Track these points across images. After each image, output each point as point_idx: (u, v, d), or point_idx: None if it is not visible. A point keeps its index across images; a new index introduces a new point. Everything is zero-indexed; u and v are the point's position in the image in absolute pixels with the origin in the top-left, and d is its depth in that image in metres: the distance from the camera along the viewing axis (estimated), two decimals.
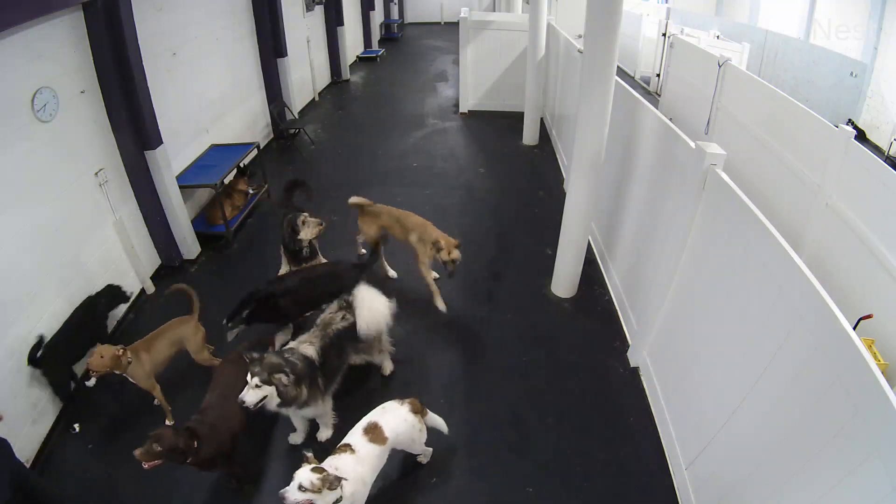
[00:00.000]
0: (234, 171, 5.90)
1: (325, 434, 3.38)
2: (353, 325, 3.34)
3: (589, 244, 4.85)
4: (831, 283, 2.57)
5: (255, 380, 2.71)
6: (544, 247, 5.33)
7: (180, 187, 5.05)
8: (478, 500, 3.06)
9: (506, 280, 4.98)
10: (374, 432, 2.74)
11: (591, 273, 4.89)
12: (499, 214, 6.17)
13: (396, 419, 2.84)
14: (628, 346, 4.07)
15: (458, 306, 4.58)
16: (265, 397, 2.75)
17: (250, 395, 2.71)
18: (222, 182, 5.47)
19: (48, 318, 3.56)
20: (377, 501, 3.02)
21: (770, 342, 2.23)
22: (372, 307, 3.31)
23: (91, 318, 3.85)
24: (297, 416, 3.28)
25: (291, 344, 3.17)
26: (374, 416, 2.85)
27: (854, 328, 1.81)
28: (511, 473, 3.19)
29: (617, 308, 4.53)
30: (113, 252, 4.31)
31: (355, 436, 2.74)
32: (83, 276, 3.95)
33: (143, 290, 4.70)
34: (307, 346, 3.13)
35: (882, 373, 1.64)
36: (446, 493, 3.10)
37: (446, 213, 6.12)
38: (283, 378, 2.79)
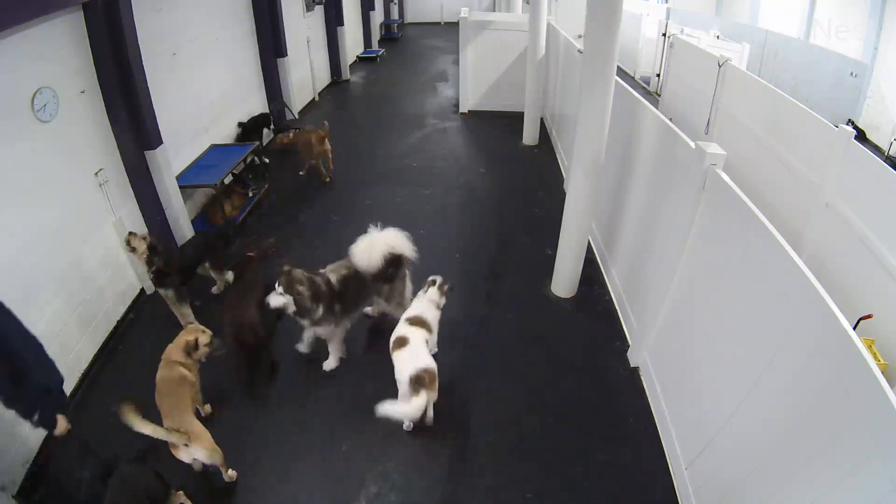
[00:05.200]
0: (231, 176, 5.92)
1: (330, 364, 3.84)
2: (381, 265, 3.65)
3: (589, 244, 4.85)
4: (831, 283, 2.56)
5: (280, 288, 3.30)
6: (544, 247, 5.33)
7: (180, 187, 5.05)
8: (478, 501, 3.06)
9: (506, 280, 4.98)
10: (416, 323, 3.43)
11: (591, 273, 4.89)
12: (499, 214, 6.17)
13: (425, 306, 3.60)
14: (628, 346, 4.07)
15: (458, 306, 4.58)
16: (286, 304, 3.32)
17: (274, 300, 3.32)
18: (222, 182, 5.48)
19: (48, 318, 3.56)
20: (378, 502, 3.02)
21: (770, 342, 2.24)
22: (372, 240, 3.60)
23: None
24: (310, 331, 3.74)
25: (323, 269, 3.63)
26: (414, 309, 3.57)
27: (854, 328, 1.81)
28: (511, 474, 3.19)
29: (617, 308, 4.53)
30: (113, 252, 4.31)
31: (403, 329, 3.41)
32: (83, 276, 3.95)
33: (142, 291, 4.70)
34: (332, 273, 3.59)
35: (882, 373, 1.64)
36: (446, 492, 3.09)
37: (446, 213, 6.12)
38: (301, 289, 3.31)
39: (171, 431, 2.74)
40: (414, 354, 3.12)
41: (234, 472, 3.12)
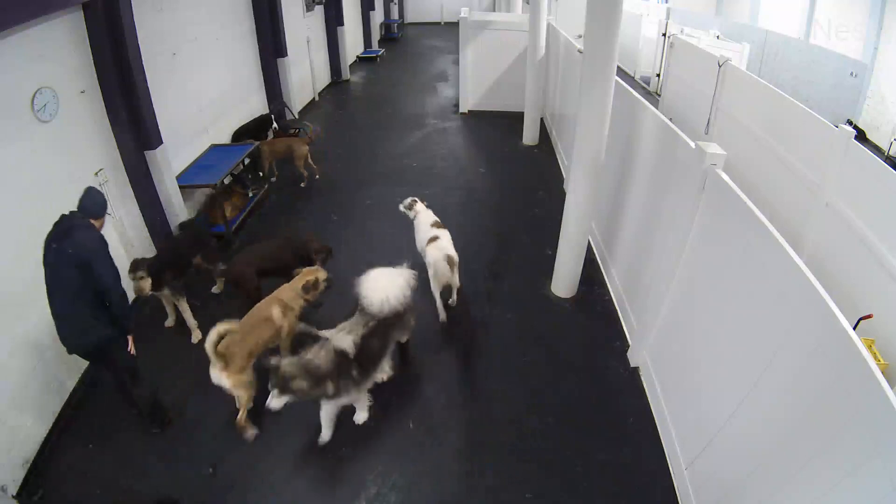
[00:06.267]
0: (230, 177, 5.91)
1: (360, 417, 3.45)
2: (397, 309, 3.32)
3: (589, 244, 4.85)
4: (831, 283, 2.56)
5: (275, 391, 2.84)
6: (544, 247, 5.33)
7: (180, 187, 5.04)
8: (478, 501, 3.06)
9: (506, 280, 4.98)
10: (434, 240, 4.32)
11: (591, 273, 4.89)
12: (499, 214, 6.17)
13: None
14: (628, 346, 4.07)
15: (458, 306, 4.58)
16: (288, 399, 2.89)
17: (275, 403, 2.85)
18: (222, 182, 5.48)
19: (48, 318, 3.55)
20: (378, 502, 3.02)
21: (770, 342, 2.24)
22: (379, 282, 3.27)
23: None
24: (329, 405, 3.25)
25: (330, 332, 3.17)
26: (429, 217, 4.63)
27: (854, 328, 1.81)
28: (511, 474, 3.19)
29: (617, 308, 4.53)
30: (112, 252, 4.28)
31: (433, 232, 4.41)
32: None
33: None
34: (344, 336, 3.12)
35: (882, 373, 1.64)
36: (446, 492, 3.10)
37: (446, 213, 6.08)
38: (300, 384, 2.84)
39: (214, 351, 3.06)
40: (442, 247, 4.25)
41: (254, 430, 3.35)
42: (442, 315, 4.35)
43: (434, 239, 4.35)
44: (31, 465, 3.20)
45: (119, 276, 3.04)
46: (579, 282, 4.69)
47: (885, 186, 3.40)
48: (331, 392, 2.98)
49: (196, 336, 4.15)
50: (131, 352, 3.18)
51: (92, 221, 3.03)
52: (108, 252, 3.00)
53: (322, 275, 3.75)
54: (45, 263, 2.93)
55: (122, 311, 3.08)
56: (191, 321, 4.18)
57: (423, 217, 4.70)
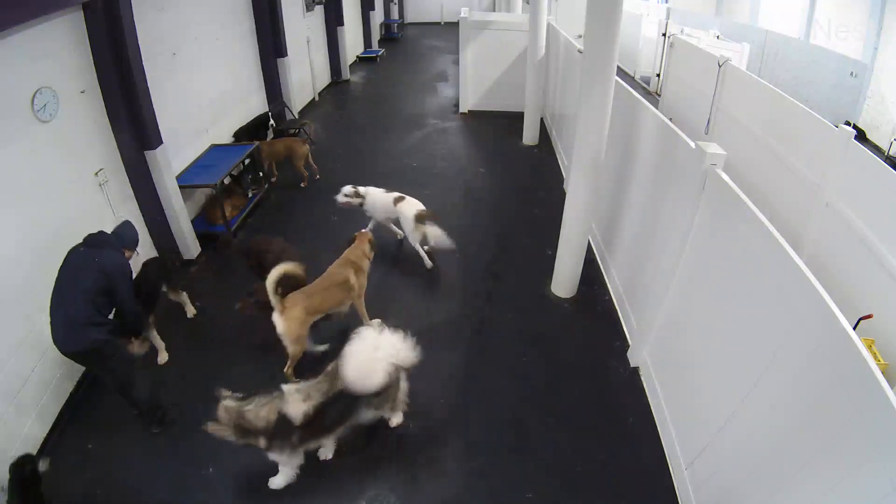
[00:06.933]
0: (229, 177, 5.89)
1: (276, 482, 3.03)
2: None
3: (589, 244, 4.85)
4: (831, 283, 2.56)
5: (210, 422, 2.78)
6: (544, 247, 5.33)
7: (180, 187, 5.04)
8: (478, 501, 3.06)
9: (506, 280, 4.98)
10: (402, 199, 4.95)
11: (591, 273, 4.89)
12: (499, 214, 6.17)
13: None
14: (628, 346, 4.07)
15: (458, 306, 4.58)
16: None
17: (210, 427, 2.77)
18: (222, 182, 5.47)
19: (48, 318, 3.55)
20: (378, 502, 3.03)
21: (770, 342, 2.24)
22: (366, 354, 2.85)
23: None
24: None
25: (288, 387, 2.87)
26: (378, 189, 5.14)
27: (854, 328, 1.81)
28: (511, 474, 3.19)
29: (617, 308, 4.53)
30: None
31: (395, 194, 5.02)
32: None
33: None
34: (298, 400, 2.79)
35: (882, 373, 1.64)
36: (446, 493, 3.10)
37: (446, 213, 6.09)
38: (223, 430, 2.75)
39: (276, 296, 3.37)
40: (412, 203, 4.87)
41: (290, 373, 3.59)
42: (428, 263, 4.97)
43: (400, 199, 4.89)
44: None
45: (134, 300, 3.30)
46: (579, 282, 4.69)
47: (885, 186, 3.40)
48: (262, 446, 2.78)
49: (163, 357, 3.99)
50: (145, 345, 3.50)
51: (124, 250, 3.31)
52: (131, 280, 3.26)
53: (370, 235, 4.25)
54: (64, 266, 3.06)
55: (136, 327, 3.42)
56: (159, 342, 4.02)
57: (374, 191, 5.11)
